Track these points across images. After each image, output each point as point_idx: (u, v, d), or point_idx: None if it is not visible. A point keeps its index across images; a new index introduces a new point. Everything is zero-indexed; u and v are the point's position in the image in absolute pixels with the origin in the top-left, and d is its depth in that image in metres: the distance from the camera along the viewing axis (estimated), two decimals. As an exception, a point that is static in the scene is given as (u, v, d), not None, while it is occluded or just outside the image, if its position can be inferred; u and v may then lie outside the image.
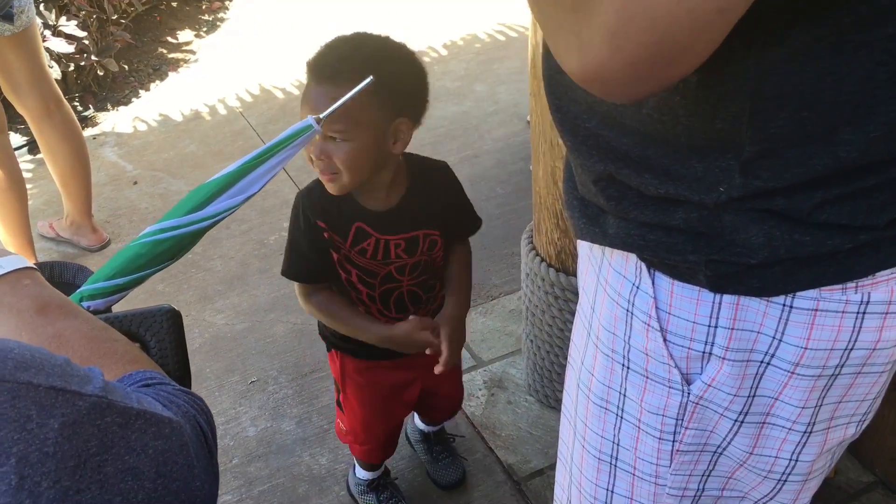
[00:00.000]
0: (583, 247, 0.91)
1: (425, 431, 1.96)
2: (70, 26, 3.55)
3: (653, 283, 0.77)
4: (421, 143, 3.32)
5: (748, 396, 0.78)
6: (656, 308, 0.78)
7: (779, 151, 0.65)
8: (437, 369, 1.46)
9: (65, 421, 0.55)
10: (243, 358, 2.34)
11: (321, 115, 1.12)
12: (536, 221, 1.85)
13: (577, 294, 1.80)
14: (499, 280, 2.55)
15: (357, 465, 1.85)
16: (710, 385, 0.78)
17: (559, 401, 2.03)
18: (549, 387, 2.03)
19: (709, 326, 0.75)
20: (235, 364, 2.31)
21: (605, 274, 0.83)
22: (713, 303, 0.74)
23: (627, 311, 0.81)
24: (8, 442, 0.51)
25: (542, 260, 1.85)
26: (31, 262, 0.87)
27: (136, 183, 3.26)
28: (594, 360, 0.88)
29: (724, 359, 0.76)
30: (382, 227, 1.42)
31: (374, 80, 1.16)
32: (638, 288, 0.79)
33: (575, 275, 1.79)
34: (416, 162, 1.51)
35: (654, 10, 0.51)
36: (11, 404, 0.53)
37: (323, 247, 1.42)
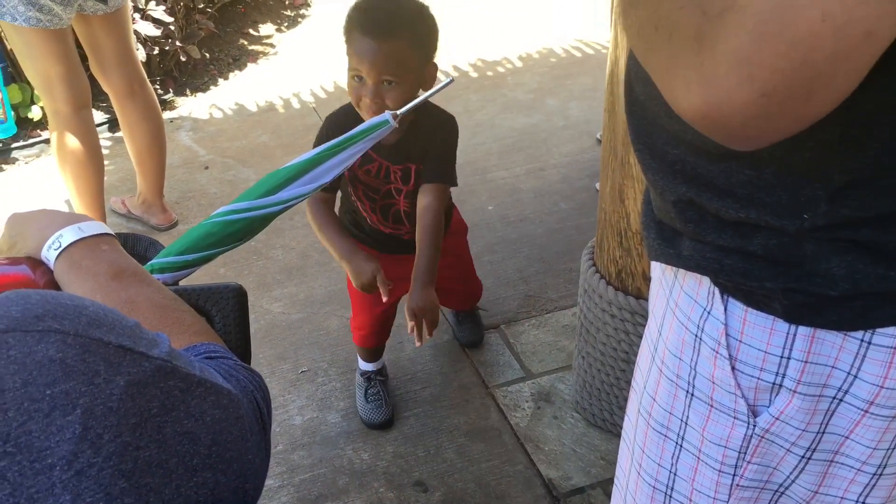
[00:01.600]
0: (655, 269, 0.89)
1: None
2: (158, 11, 3.65)
3: (725, 309, 0.75)
4: (488, 151, 3.34)
5: (817, 433, 0.75)
6: (727, 335, 0.75)
7: (868, 182, 0.62)
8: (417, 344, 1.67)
9: (130, 380, 0.57)
10: (296, 347, 2.37)
11: (398, 112, 1.14)
12: (599, 238, 1.84)
13: (633, 314, 1.79)
14: (555, 294, 2.54)
15: (358, 355, 2.17)
16: (777, 418, 0.75)
17: (605, 420, 2.01)
18: (596, 405, 2.01)
19: (781, 357, 0.73)
20: (288, 353, 2.35)
21: (676, 297, 0.81)
22: (787, 333, 0.72)
23: (696, 336, 0.79)
24: (76, 393, 0.53)
25: (602, 277, 1.84)
26: (108, 229, 0.90)
27: (207, 168, 3.34)
28: (657, 385, 0.86)
29: (794, 392, 0.73)
30: (386, 154, 1.74)
31: (452, 80, 1.18)
32: (709, 313, 0.77)
33: (634, 295, 1.78)
34: (429, 107, 1.77)
35: (795, 31, 0.46)
36: (82, 358, 0.55)
37: None
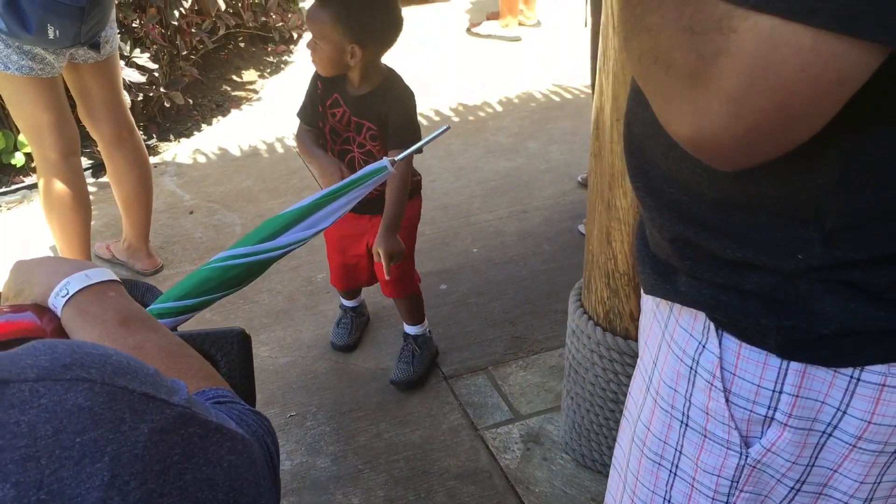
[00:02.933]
0: (648, 302, 0.92)
1: (405, 331, 2.42)
2: (143, 58, 3.69)
3: (720, 343, 0.78)
4: (471, 194, 3.38)
5: (807, 465, 0.78)
6: (721, 368, 0.78)
7: (863, 225, 0.66)
8: (383, 274, 2.10)
9: (154, 427, 0.58)
10: (284, 391, 2.36)
11: (396, 158, 1.17)
12: (587, 279, 1.87)
13: (622, 354, 1.81)
14: (541, 335, 2.56)
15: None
16: (769, 450, 0.78)
17: (595, 461, 2.02)
18: (586, 446, 2.02)
19: (773, 391, 0.76)
20: (276, 397, 2.34)
21: (672, 331, 0.84)
22: (780, 368, 0.74)
23: (691, 368, 0.82)
24: (103, 441, 0.54)
25: (590, 318, 1.86)
26: (114, 276, 0.92)
27: (192, 213, 3.35)
28: (651, 415, 0.89)
29: (785, 425, 0.76)
30: (348, 104, 2.05)
31: (448, 128, 1.21)
32: (704, 347, 0.80)
33: (622, 335, 1.80)
34: (393, 77, 2.07)
35: (779, 78, 0.52)
36: (108, 406, 0.56)
37: (315, 100, 2.10)
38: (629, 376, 1.82)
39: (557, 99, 4.37)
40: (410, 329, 2.41)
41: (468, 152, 3.76)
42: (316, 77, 2.09)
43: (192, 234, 3.20)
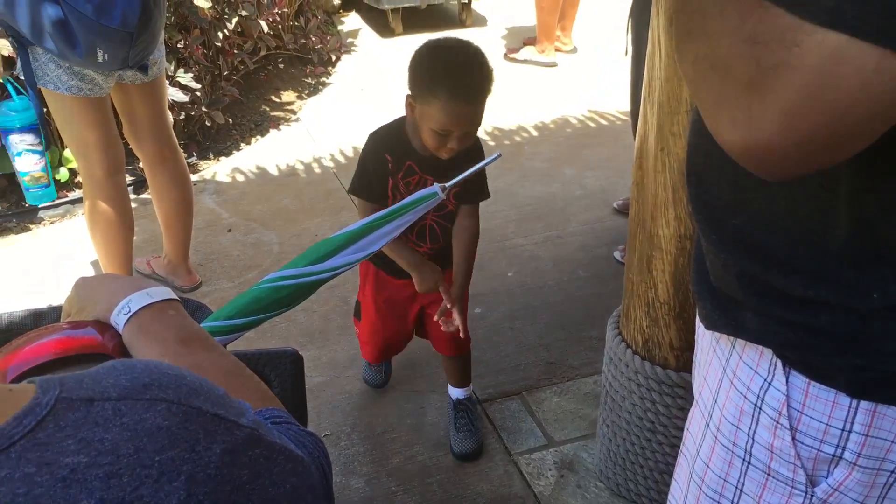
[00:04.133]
0: (705, 336, 0.92)
1: (453, 399, 2.31)
2: (186, 78, 3.77)
3: (787, 380, 0.77)
4: (507, 218, 3.39)
5: None
6: (788, 406, 0.77)
7: None
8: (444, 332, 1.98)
9: (225, 448, 0.59)
10: (318, 411, 2.38)
11: (447, 185, 1.18)
12: (625, 307, 1.87)
13: (660, 384, 1.81)
14: (576, 362, 2.55)
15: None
16: (836, 489, 0.77)
17: (630, 490, 2.01)
18: (621, 475, 2.01)
19: (842, 430, 0.75)
20: (310, 416, 2.34)
21: (734, 366, 0.84)
22: (849, 407, 0.74)
23: (755, 405, 0.81)
24: (180, 460, 0.56)
25: (628, 346, 1.86)
26: (174, 295, 0.94)
27: (230, 230, 3.40)
28: (711, 452, 0.88)
29: (854, 464, 0.75)
30: (427, 168, 1.88)
31: (500, 155, 1.24)
32: (770, 384, 0.79)
33: (660, 364, 1.80)
34: None
35: (836, 94, 0.53)
36: (184, 426, 0.57)
37: (383, 173, 1.88)
38: (667, 406, 1.81)
39: (593, 125, 4.38)
40: (460, 392, 2.30)
41: (504, 177, 3.77)
42: (379, 149, 1.89)
43: (231, 251, 3.25)
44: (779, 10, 0.54)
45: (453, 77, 1.71)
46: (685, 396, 1.78)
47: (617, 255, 3.09)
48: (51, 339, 0.89)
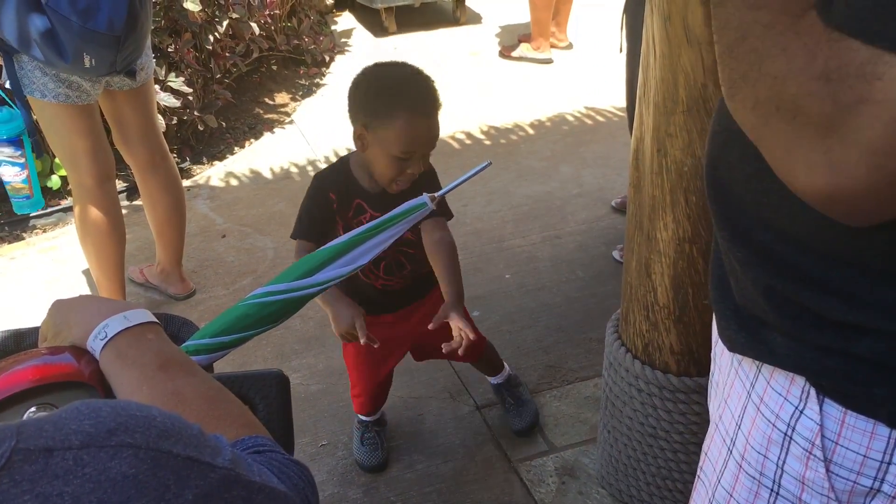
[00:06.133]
0: (724, 355, 0.87)
1: (492, 384, 2.29)
2: (178, 82, 3.73)
3: (820, 409, 0.73)
4: (503, 219, 3.36)
5: None
6: (822, 436, 0.73)
7: None
8: (461, 348, 1.68)
9: (198, 493, 0.56)
10: (315, 419, 2.34)
11: (436, 195, 1.15)
12: (624, 311, 1.83)
13: (661, 388, 1.77)
14: (575, 365, 2.52)
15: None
16: None
17: (633, 496, 1.97)
18: (623, 481, 1.97)
19: (881, 462, 0.70)
20: (307, 425, 2.32)
21: (761, 392, 0.79)
22: (889, 438, 0.69)
23: (785, 434, 0.76)
24: None
25: (628, 351, 1.83)
26: (153, 317, 0.90)
27: (224, 236, 3.36)
28: (735, 480, 0.84)
29: (893, 497, 0.71)
30: (373, 204, 1.77)
31: (490, 163, 1.19)
32: (802, 412, 0.74)
33: (661, 369, 1.76)
34: None
35: None
36: (153, 473, 0.54)
37: (328, 213, 1.79)
38: (668, 411, 1.78)
39: (590, 122, 4.34)
40: (495, 379, 2.29)
41: (500, 176, 3.74)
42: (324, 189, 1.80)
43: (225, 257, 3.21)
44: (854, 42, 0.51)
45: (409, 92, 1.66)
46: (686, 401, 1.75)
47: (616, 254, 3.05)
48: (28, 365, 0.85)
